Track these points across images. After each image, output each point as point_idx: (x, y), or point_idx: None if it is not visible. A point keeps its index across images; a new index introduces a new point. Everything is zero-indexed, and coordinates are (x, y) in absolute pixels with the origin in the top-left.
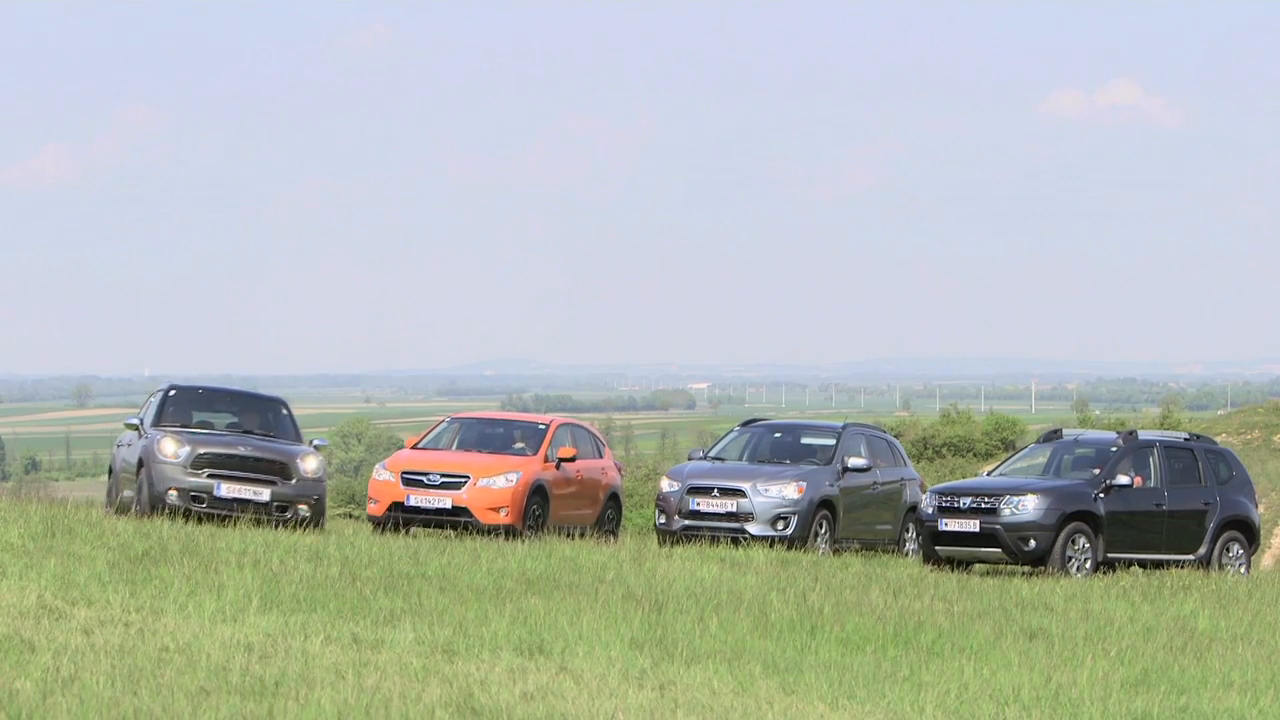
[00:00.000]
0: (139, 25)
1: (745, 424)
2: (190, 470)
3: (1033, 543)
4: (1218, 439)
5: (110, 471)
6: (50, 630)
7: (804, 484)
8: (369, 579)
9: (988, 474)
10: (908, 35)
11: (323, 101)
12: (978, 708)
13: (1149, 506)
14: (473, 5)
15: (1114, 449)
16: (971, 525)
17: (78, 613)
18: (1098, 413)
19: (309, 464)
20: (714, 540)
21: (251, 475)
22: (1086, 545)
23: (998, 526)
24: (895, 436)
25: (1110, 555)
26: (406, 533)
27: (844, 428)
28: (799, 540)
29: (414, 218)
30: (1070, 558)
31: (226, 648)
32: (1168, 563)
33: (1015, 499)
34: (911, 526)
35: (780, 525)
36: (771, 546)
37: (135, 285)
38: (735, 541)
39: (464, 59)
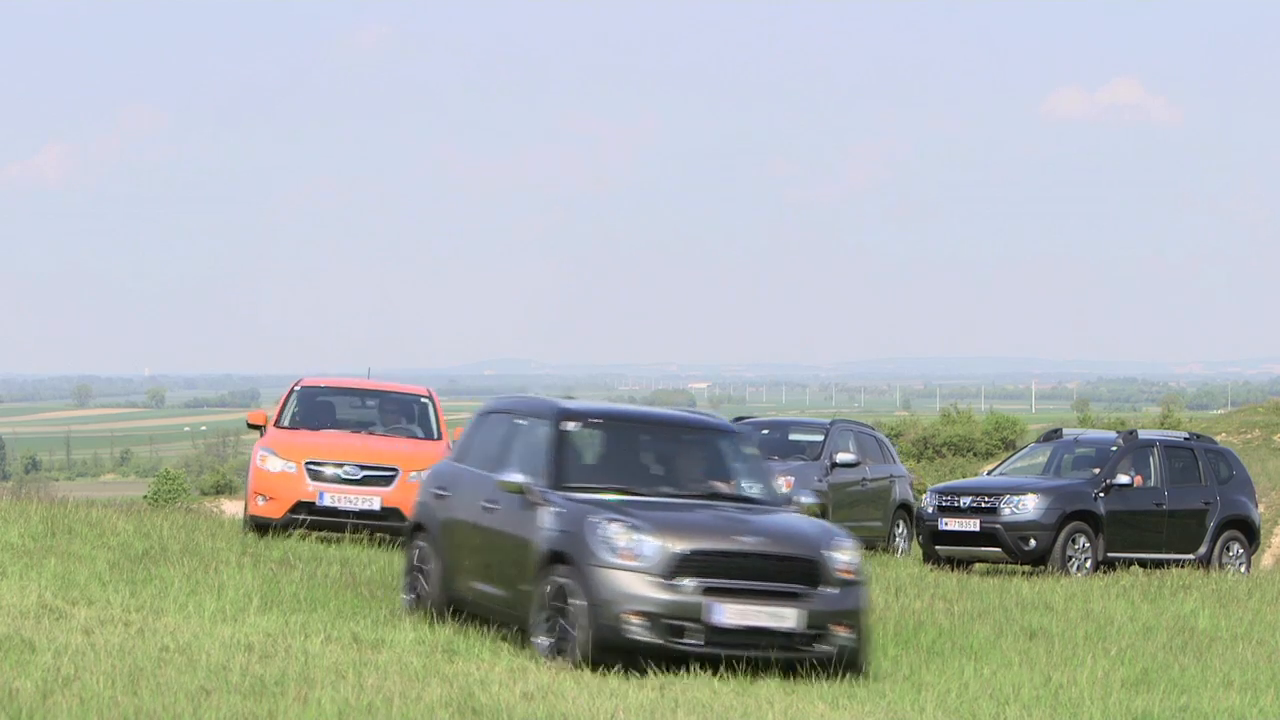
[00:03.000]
0: (141, 25)
1: (734, 421)
2: (666, 581)
3: (1033, 542)
4: (1218, 438)
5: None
6: (50, 630)
7: (791, 479)
8: (369, 579)
9: (988, 473)
10: (908, 35)
11: (324, 102)
12: (978, 707)
13: (1149, 506)
14: (473, 6)
15: (1114, 448)
16: (972, 525)
17: (78, 612)
18: (1098, 412)
19: (844, 555)
20: None
21: (767, 586)
22: (1086, 545)
23: (998, 526)
24: (895, 436)
25: (1110, 555)
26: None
27: (832, 424)
28: None
29: (414, 218)
30: (1070, 557)
31: (227, 647)
32: (1168, 562)
33: (1015, 498)
34: (901, 524)
35: None
36: None
37: (135, 285)
38: None
39: (464, 60)
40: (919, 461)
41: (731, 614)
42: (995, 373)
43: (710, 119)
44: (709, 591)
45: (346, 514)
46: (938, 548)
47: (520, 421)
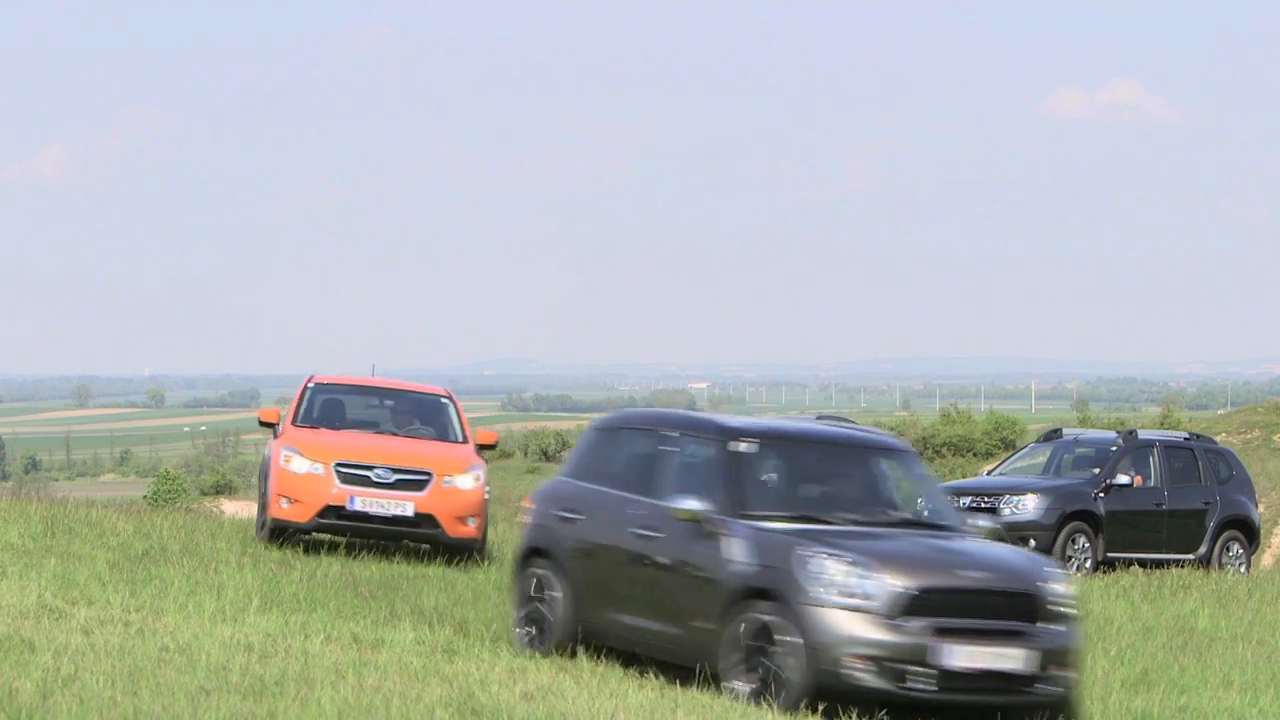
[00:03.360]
0: (141, 25)
1: None
2: (892, 621)
3: (1032, 542)
4: (1218, 438)
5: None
6: (50, 630)
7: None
8: (368, 579)
9: (988, 474)
10: (908, 35)
11: (324, 102)
12: None
13: (1149, 506)
14: (474, 6)
15: (1114, 449)
16: None
17: (78, 612)
18: (1098, 412)
19: (1059, 587)
20: None
21: (995, 625)
22: (1086, 544)
23: (997, 526)
24: (898, 434)
25: (1110, 555)
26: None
27: (819, 419)
28: None
29: (414, 218)
30: (1070, 557)
31: (226, 647)
32: (1168, 562)
33: (1015, 498)
34: None
35: None
36: None
37: (136, 285)
38: None
39: (465, 60)
40: None
41: (962, 656)
42: (995, 373)
43: (710, 119)
44: (939, 632)
45: (378, 519)
46: None
47: (669, 439)
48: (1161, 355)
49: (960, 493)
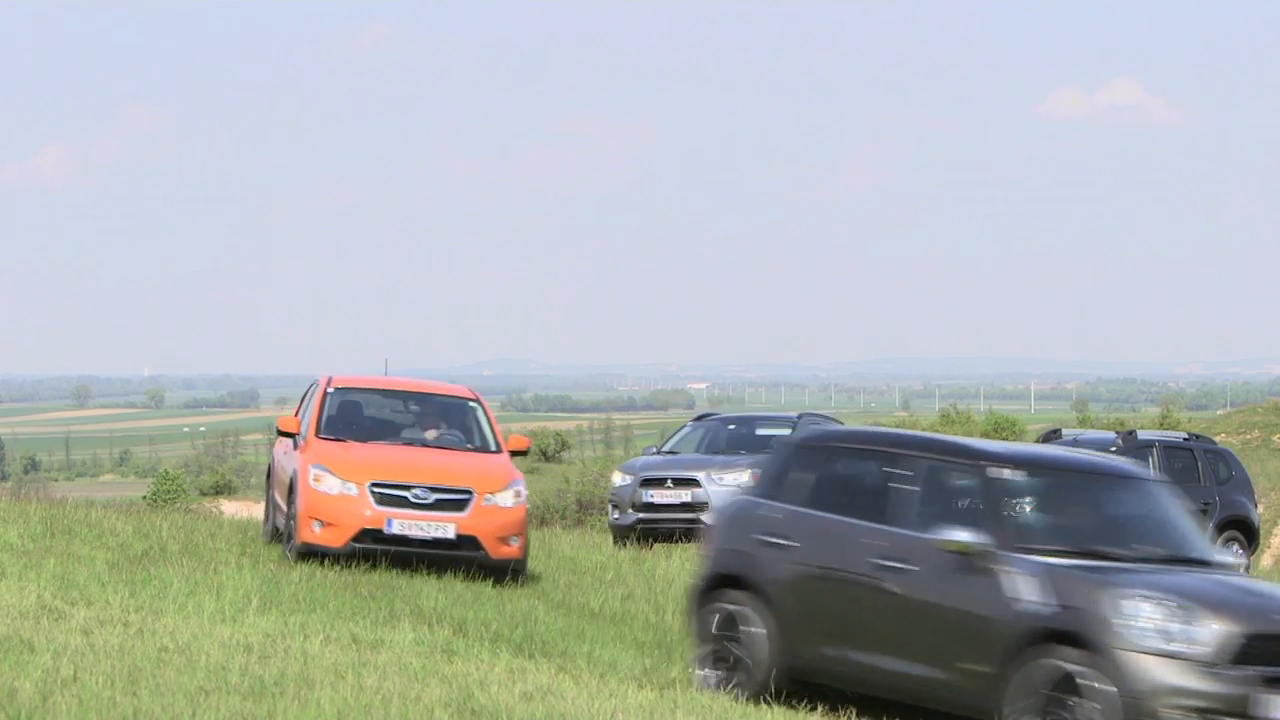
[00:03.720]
0: (140, 25)
1: (699, 418)
2: (1217, 669)
3: None
4: (1217, 439)
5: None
6: (50, 630)
7: (759, 471)
8: (368, 579)
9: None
10: (907, 35)
11: (323, 102)
12: None
13: None
14: (474, 6)
15: (1113, 449)
16: None
17: (77, 613)
18: (1097, 412)
19: None
20: (672, 536)
21: None
22: None
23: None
24: None
25: None
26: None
27: (799, 418)
28: None
29: (414, 218)
30: None
31: (226, 648)
32: None
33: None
34: None
35: None
36: None
37: (135, 285)
38: (689, 534)
39: (464, 60)
40: None
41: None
42: (994, 373)
43: (709, 120)
44: (1267, 682)
45: (417, 543)
46: None
47: (902, 461)
48: (1161, 356)
49: None
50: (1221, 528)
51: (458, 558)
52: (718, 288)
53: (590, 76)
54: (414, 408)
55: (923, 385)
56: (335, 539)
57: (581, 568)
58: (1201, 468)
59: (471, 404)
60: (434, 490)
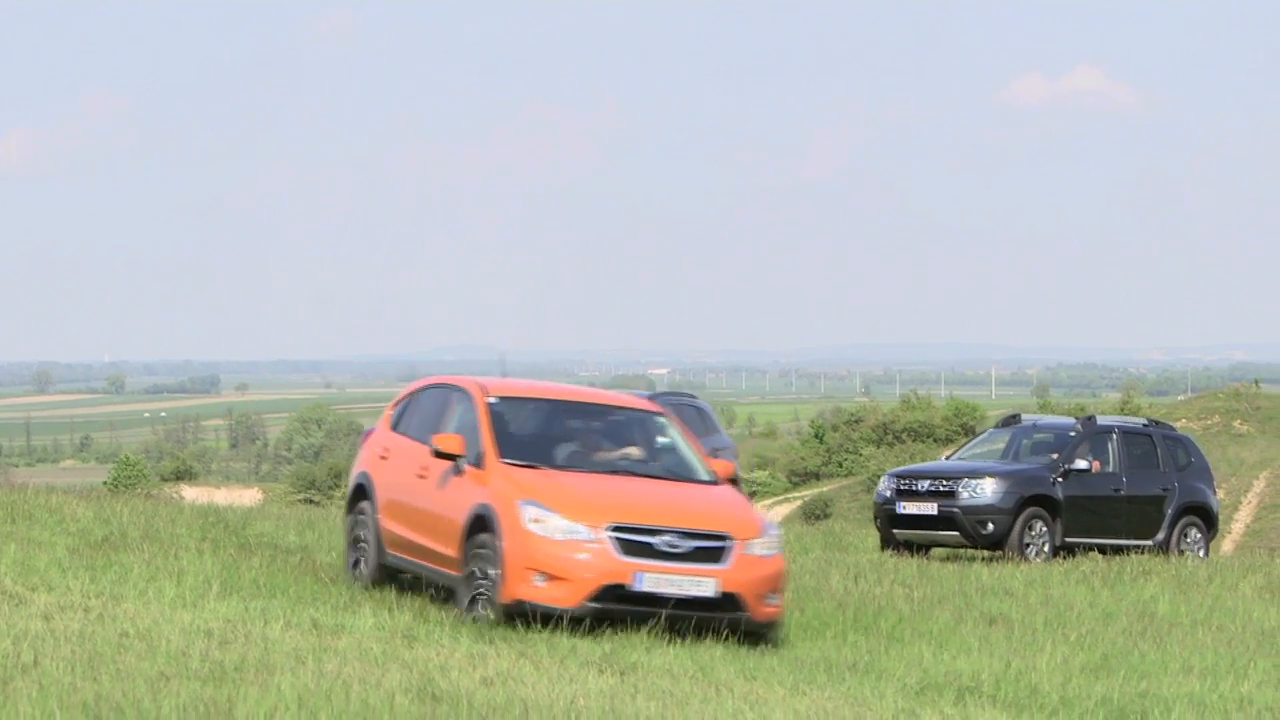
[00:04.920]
0: (105, 12)
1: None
2: None
3: (990, 526)
4: (1178, 425)
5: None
6: (10, 616)
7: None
8: (328, 564)
9: (946, 458)
10: (871, 23)
11: (285, 88)
12: (939, 694)
13: (1107, 491)
14: None
15: (1072, 434)
16: (929, 508)
17: (38, 598)
18: (1058, 398)
19: None
20: None
21: None
22: (1044, 529)
23: (955, 510)
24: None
25: (1068, 539)
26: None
27: (653, 397)
28: None
29: (375, 204)
30: (1028, 542)
31: (186, 633)
32: (1126, 548)
33: (973, 482)
34: None
35: None
36: None
37: (96, 271)
38: None
39: (429, 45)
40: (879, 447)
41: None
42: (956, 359)
43: (674, 106)
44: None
45: (669, 602)
46: (895, 531)
47: None
48: (1122, 342)
49: (917, 477)
50: (1180, 513)
51: (715, 619)
52: (679, 274)
53: (556, 63)
54: (595, 424)
55: (883, 371)
56: (567, 597)
57: None
58: (1161, 454)
59: (660, 419)
60: (688, 536)
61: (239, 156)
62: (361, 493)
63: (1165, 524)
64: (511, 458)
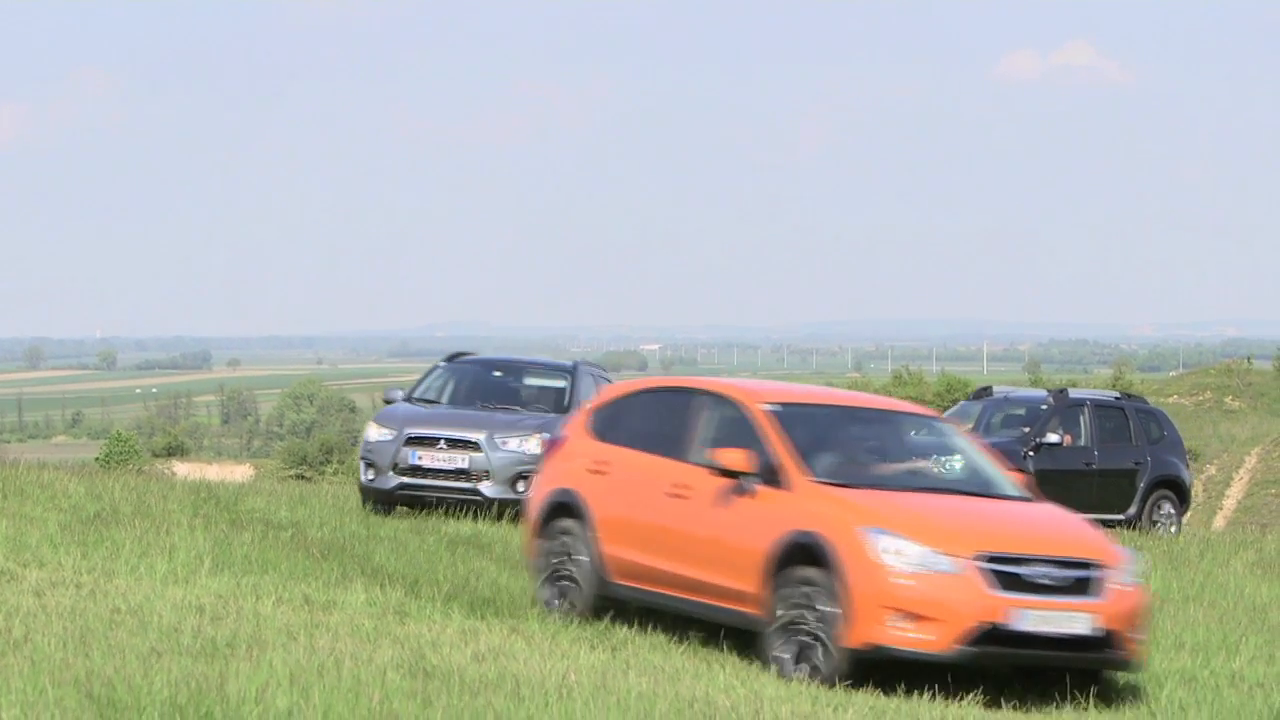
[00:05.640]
0: None
1: (452, 358)
2: None
3: None
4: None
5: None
6: (1, 592)
7: (547, 435)
8: (320, 540)
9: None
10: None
11: (273, 64)
12: (926, 669)
13: (1079, 465)
14: None
15: (1044, 407)
16: None
17: (29, 574)
18: (1050, 374)
19: None
20: (440, 505)
21: None
22: None
23: None
24: None
25: None
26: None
27: (575, 367)
28: None
29: (366, 180)
30: None
31: (178, 609)
32: (1098, 522)
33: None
34: None
35: (521, 486)
36: (502, 516)
37: (87, 247)
38: (466, 505)
39: (417, 23)
40: None
41: None
42: (947, 334)
43: (663, 82)
44: None
45: (1049, 643)
46: None
47: None
48: (1114, 318)
49: None
50: (1152, 487)
51: (1092, 662)
52: (671, 250)
53: (544, 40)
54: (883, 432)
55: (875, 347)
56: (937, 640)
57: None
58: (1133, 427)
59: (944, 425)
60: (1061, 565)
61: (231, 133)
62: (565, 511)
63: (1137, 498)
64: (825, 476)
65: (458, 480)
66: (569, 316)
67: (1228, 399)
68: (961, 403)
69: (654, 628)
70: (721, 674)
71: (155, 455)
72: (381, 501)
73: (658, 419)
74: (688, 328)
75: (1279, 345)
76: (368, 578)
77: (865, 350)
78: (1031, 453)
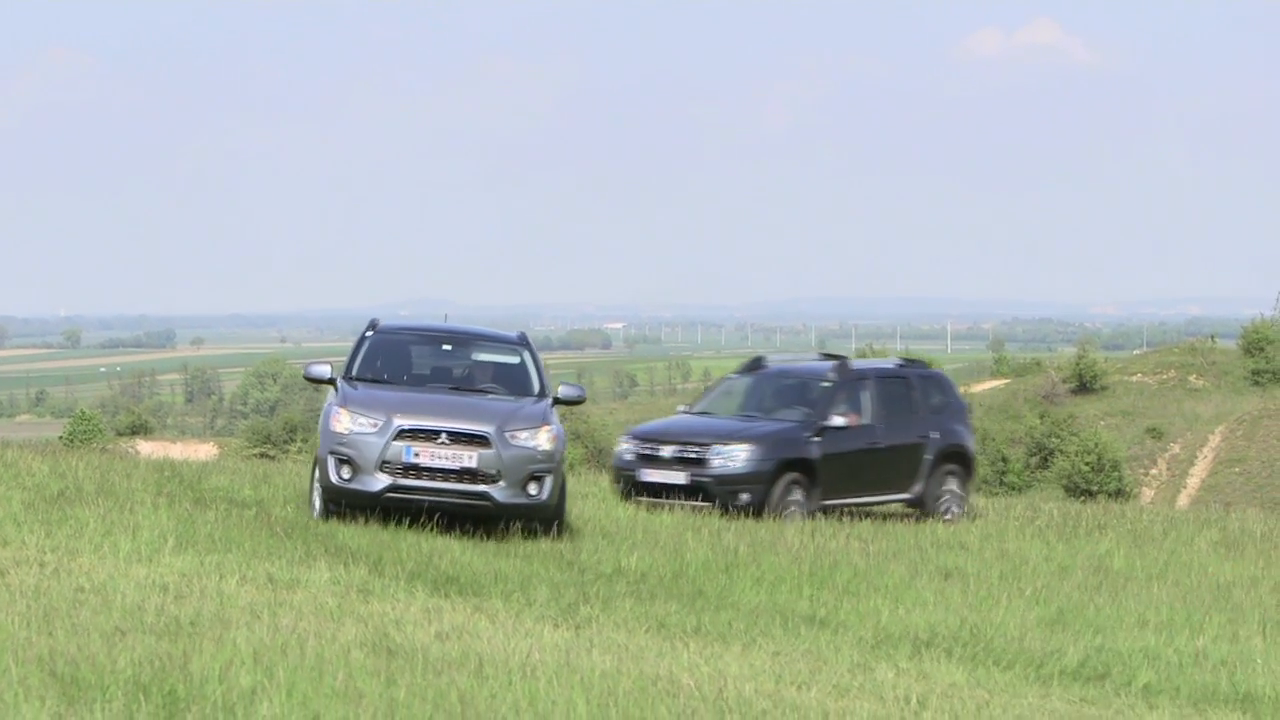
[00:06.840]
0: None
1: (375, 327)
2: None
3: (746, 495)
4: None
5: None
6: None
7: (553, 428)
8: (283, 519)
9: (684, 410)
10: None
11: (243, 45)
12: (895, 647)
13: (864, 445)
14: None
15: (825, 383)
16: (679, 477)
17: None
18: (1014, 353)
19: None
20: (434, 514)
21: None
22: (801, 495)
23: (708, 479)
24: None
25: (825, 501)
26: None
27: (525, 338)
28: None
29: (329, 158)
30: (790, 505)
31: (142, 588)
32: (882, 504)
33: (724, 449)
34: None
35: (533, 488)
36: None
37: (50, 225)
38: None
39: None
40: None
41: None
42: (911, 313)
43: (627, 60)
44: None
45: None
46: (639, 499)
47: None
48: (1077, 296)
49: (661, 440)
50: (938, 461)
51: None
52: (634, 228)
53: (511, 19)
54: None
55: (839, 325)
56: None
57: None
58: (916, 396)
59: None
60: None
61: (195, 111)
62: None
63: (924, 474)
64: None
65: (462, 482)
66: (533, 294)
67: (1191, 377)
68: (729, 376)
69: (618, 605)
70: (685, 652)
71: (119, 434)
72: (362, 507)
73: None
74: (651, 305)
75: (1243, 324)
76: (331, 556)
77: (829, 329)
78: (816, 437)
